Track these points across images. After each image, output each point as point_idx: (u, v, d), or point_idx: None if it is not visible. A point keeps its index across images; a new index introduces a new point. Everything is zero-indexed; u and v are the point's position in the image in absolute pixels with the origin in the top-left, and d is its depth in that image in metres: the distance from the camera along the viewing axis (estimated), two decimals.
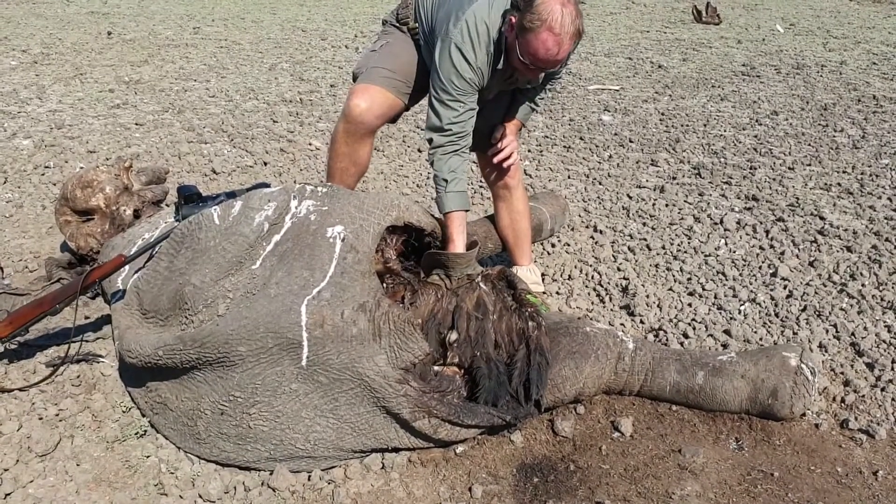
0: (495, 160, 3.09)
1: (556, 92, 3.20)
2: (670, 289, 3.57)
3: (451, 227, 2.76)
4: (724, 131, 5.96)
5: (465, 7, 2.76)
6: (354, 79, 3.15)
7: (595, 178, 4.99)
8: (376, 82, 3.02)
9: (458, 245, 2.73)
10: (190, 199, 2.79)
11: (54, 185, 4.72)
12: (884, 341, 3.08)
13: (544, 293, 3.42)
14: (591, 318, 3.34)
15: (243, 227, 2.42)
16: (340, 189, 2.60)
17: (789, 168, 5.09)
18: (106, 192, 3.34)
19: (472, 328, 2.52)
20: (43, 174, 4.91)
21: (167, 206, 3.58)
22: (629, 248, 3.98)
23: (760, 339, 3.16)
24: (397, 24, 3.15)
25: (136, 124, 6.00)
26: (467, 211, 2.87)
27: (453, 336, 2.50)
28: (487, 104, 3.06)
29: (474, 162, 4.14)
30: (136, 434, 2.54)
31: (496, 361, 2.49)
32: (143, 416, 2.61)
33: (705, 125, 6.12)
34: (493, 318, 2.56)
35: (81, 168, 4.85)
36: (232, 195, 2.78)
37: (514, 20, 2.64)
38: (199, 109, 6.47)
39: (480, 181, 4.82)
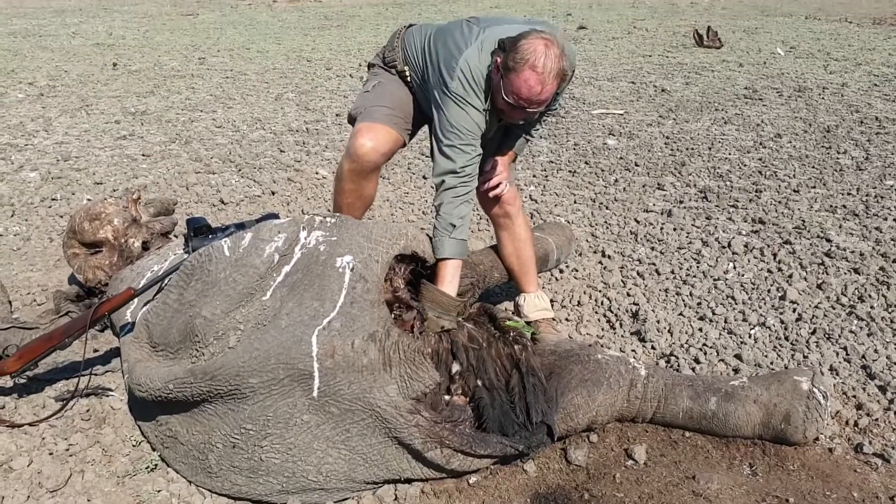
0: (482, 188, 3.11)
1: (560, 116, 3.22)
2: (680, 314, 3.56)
3: (444, 272, 2.75)
4: (729, 154, 5.98)
5: (456, 57, 2.80)
6: (351, 120, 3.18)
7: (601, 203, 5.00)
8: (379, 120, 3.05)
9: (447, 291, 2.74)
10: (199, 231, 2.80)
11: (62, 217, 4.74)
12: (895, 363, 3.07)
13: (554, 319, 3.41)
14: (601, 345, 3.33)
15: (253, 258, 2.43)
16: (349, 219, 2.61)
17: (794, 190, 5.09)
18: (114, 225, 3.35)
19: (471, 357, 2.54)
20: (50, 206, 4.94)
21: (176, 237, 3.58)
22: (638, 273, 3.97)
23: (771, 363, 3.14)
24: (385, 67, 3.19)
25: (143, 155, 6.03)
26: (461, 261, 2.87)
27: (455, 367, 2.51)
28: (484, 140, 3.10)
29: None
30: (146, 468, 2.53)
31: (498, 390, 2.49)
32: (154, 450, 2.60)
33: (710, 148, 6.14)
34: (486, 348, 2.59)
35: (89, 200, 4.87)
36: (241, 226, 2.79)
37: (499, 60, 2.69)
38: (206, 140, 6.51)
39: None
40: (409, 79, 3.11)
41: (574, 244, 3.93)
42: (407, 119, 3.12)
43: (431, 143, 2.97)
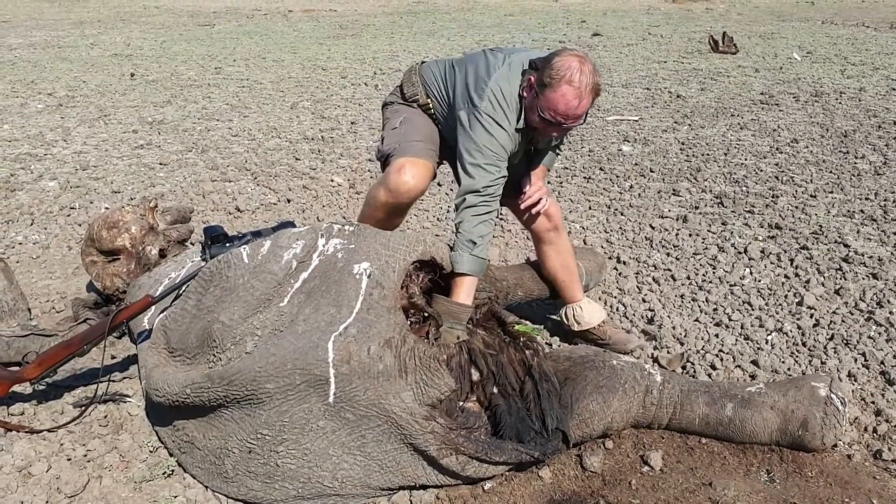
0: (523, 206, 3.11)
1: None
2: (696, 319, 3.55)
3: (461, 287, 2.74)
4: (745, 160, 5.95)
5: (485, 77, 2.83)
6: (382, 157, 3.16)
7: (616, 209, 4.99)
8: (419, 154, 3.04)
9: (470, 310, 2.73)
10: (216, 239, 2.82)
11: (80, 225, 4.78)
12: None
13: (604, 323, 3.40)
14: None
15: (272, 265, 2.45)
16: (367, 227, 2.63)
17: (811, 196, 5.06)
18: (131, 232, 3.37)
19: (490, 364, 2.53)
20: (69, 215, 4.98)
21: (192, 244, 3.61)
22: (654, 279, 3.96)
23: (788, 368, 3.13)
24: (405, 103, 3.20)
25: (161, 164, 6.08)
26: (477, 279, 2.86)
27: (475, 375, 2.50)
28: (514, 163, 3.12)
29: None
30: (163, 474, 2.54)
31: (514, 397, 2.49)
32: (171, 455, 2.61)
33: (726, 154, 6.12)
34: (501, 353, 2.59)
35: (107, 208, 4.92)
36: (257, 234, 2.81)
37: (532, 79, 2.71)
38: (222, 148, 6.55)
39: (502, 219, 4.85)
40: (432, 110, 3.13)
41: (605, 272, 3.87)
42: (437, 150, 3.15)
43: (455, 166, 2.97)
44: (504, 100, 2.79)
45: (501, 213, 4.83)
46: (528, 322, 3.27)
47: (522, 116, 2.81)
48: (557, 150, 3.24)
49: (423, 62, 3.24)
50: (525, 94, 2.77)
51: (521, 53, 2.88)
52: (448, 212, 4.93)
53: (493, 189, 2.81)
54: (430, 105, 3.13)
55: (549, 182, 5.54)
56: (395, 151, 3.07)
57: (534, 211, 3.14)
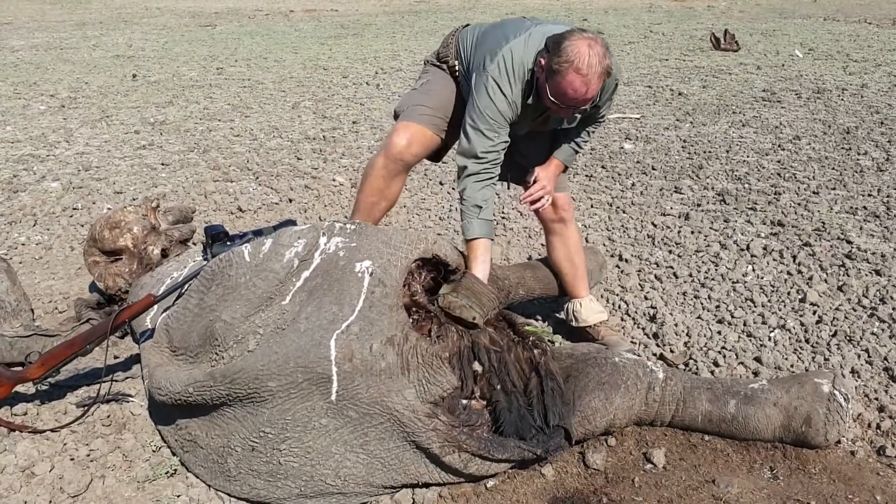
0: (521, 201, 3.12)
1: (602, 123, 3.24)
2: (699, 317, 3.54)
3: (475, 252, 2.80)
4: (747, 157, 5.95)
5: (502, 45, 2.83)
6: (396, 116, 3.24)
7: (618, 207, 4.98)
8: (417, 120, 3.11)
9: (479, 272, 2.75)
10: (217, 237, 2.82)
11: (82, 226, 4.79)
12: None
13: (605, 322, 3.40)
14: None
15: (273, 263, 2.45)
16: (368, 226, 2.63)
17: (814, 192, 5.06)
18: (133, 232, 3.38)
19: (493, 359, 2.53)
20: (71, 216, 4.99)
21: (194, 244, 3.61)
22: (656, 277, 3.96)
23: (791, 365, 3.12)
24: (437, 63, 3.23)
25: (162, 164, 6.09)
26: (492, 241, 2.92)
27: (477, 367, 2.50)
28: (531, 145, 3.14)
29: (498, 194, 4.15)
30: (166, 473, 2.54)
31: (516, 394, 2.49)
32: (174, 454, 2.61)
33: (728, 151, 6.11)
34: (506, 352, 2.59)
35: (109, 209, 4.92)
36: (259, 233, 2.82)
37: (543, 62, 2.71)
38: (224, 148, 6.56)
39: (503, 213, 4.84)
40: (457, 73, 3.15)
41: (605, 271, 3.88)
42: (446, 118, 3.16)
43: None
44: (512, 67, 2.78)
45: (502, 212, 4.83)
46: (537, 324, 3.27)
47: (534, 92, 2.81)
48: (576, 147, 3.21)
49: (465, 25, 3.24)
50: (538, 73, 2.76)
51: (547, 26, 2.85)
52: (451, 211, 4.93)
53: (492, 155, 2.84)
54: (457, 67, 3.15)
55: None
56: (402, 114, 3.17)
57: (531, 208, 3.16)
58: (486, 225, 2.82)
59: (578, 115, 2.96)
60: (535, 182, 3.10)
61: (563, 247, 3.33)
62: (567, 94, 2.66)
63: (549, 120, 3.01)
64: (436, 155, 3.29)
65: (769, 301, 3.64)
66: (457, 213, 4.85)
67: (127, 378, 3.07)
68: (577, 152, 3.25)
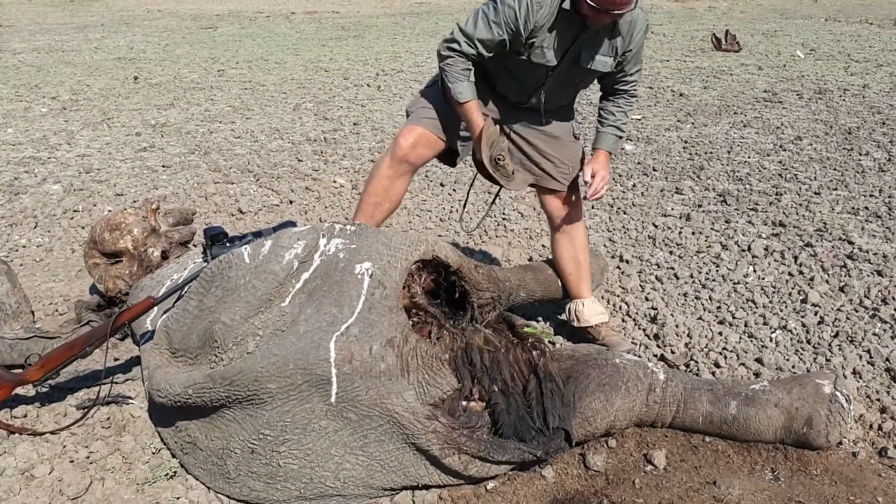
0: (590, 198, 3.10)
1: (635, 96, 3.24)
2: (700, 318, 3.54)
3: (472, 113, 2.95)
4: (749, 158, 5.94)
5: None
6: (407, 115, 3.27)
7: (619, 208, 4.98)
8: (421, 123, 3.13)
9: (482, 124, 2.94)
10: (216, 238, 2.82)
11: (83, 228, 4.79)
12: None
13: (607, 323, 3.39)
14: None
15: (273, 265, 2.44)
16: (368, 227, 2.62)
17: (815, 193, 5.05)
18: (134, 235, 3.38)
19: (486, 359, 2.53)
20: (72, 218, 4.99)
21: (194, 246, 3.61)
22: (657, 278, 3.95)
23: (793, 366, 3.11)
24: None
25: (163, 166, 6.09)
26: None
27: (468, 368, 2.50)
28: (554, 95, 3.12)
29: (488, 191, 4.13)
30: (166, 475, 2.54)
31: (514, 395, 2.48)
32: (173, 456, 2.61)
33: (729, 152, 6.10)
34: (503, 352, 2.59)
35: (109, 211, 4.92)
36: (259, 234, 2.81)
37: None
38: (224, 150, 6.55)
39: (504, 216, 4.84)
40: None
41: (606, 274, 3.88)
42: (453, 127, 3.16)
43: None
44: None
45: (503, 213, 4.83)
46: (536, 325, 3.26)
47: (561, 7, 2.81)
48: (619, 132, 3.20)
49: None
50: None
51: None
52: (451, 213, 4.93)
53: (482, 47, 2.90)
54: None
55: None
56: (410, 115, 3.23)
57: (593, 200, 3.16)
58: (473, 88, 2.94)
59: (610, 59, 2.96)
60: (593, 176, 3.09)
61: (570, 246, 3.33)
62: None
63: (581, 56, 2.96)
64: (451, 160, 3.31)
65: (770, 302, 3.63)
66: (457, 214, 4.85)
67: (127, 380, 3.07)
68: (619, 138, 3.24)
